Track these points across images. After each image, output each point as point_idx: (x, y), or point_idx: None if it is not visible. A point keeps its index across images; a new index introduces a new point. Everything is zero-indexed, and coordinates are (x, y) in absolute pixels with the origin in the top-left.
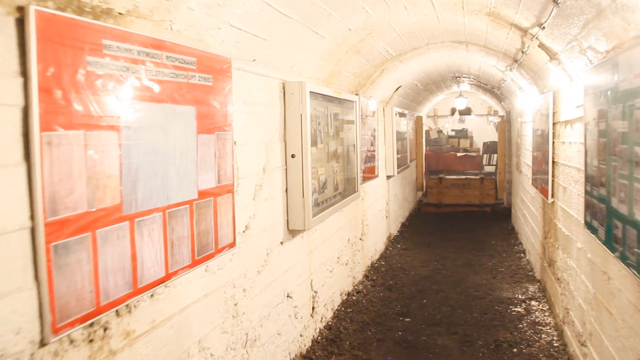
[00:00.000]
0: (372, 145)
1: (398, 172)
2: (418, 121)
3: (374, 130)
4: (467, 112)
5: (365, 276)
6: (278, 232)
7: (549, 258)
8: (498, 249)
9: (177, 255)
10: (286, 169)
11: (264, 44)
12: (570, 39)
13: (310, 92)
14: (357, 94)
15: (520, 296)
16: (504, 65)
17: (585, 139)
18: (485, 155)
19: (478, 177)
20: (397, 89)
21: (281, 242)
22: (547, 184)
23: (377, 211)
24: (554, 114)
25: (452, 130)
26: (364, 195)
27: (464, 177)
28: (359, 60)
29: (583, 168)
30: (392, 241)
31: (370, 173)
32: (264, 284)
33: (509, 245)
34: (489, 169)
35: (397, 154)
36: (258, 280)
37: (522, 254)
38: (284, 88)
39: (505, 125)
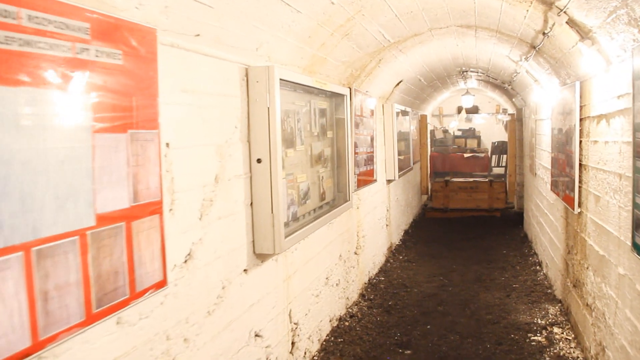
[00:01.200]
0: (370, 146)
1: (400, 176)
2: (422, 120)
3: (373, 129)
4: (474, 110)
5: (362, 295)
6: (239, 258)
7: (575, 277)
8: (510, 260)
9: (56, 312)
10: (251, 177)
11: (210, 14)
12: (615, 6)
13: (283, 80)
14: (349, 87)
15: (539, 320)
16: (519, 55)
17: (633, 137)
18: (493, 156)
19: (487, 180)
20: (397, 84)
21: (244, 270)
22: (572, 190)
23: (376, 220)
24: (581, 108)
25: (459, 129)
26: (359, 203)
27: (471, 179)
28: (348, 45)
29: (629, 174)
30: (394, 252)
31: (367, 178)
32: (218, 326)
33: (522, 256)
34: (497, 170)
35: (399, 155)
36: (208, 323)
37: (537, 267)
38: (247, 75)
39: (516, 124)
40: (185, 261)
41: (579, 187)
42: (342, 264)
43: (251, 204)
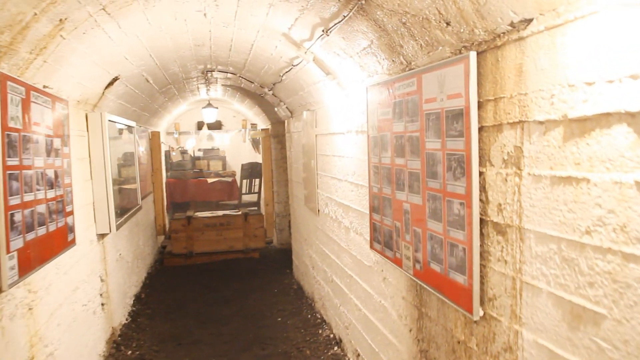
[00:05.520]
0: (54, 186)
1: (121, 224)
2: (154, 139)
3: (61, 156)
4: (217, 126)
5: None
6: None
7: None
8: (293, 338)
9: None
10: None
11: None
12: None
13: None
14: None
15: None
16: (311, 26)
17: None
18: (244, 181)
19: (240, 213)
20: (112, 83)
21: None
22: (461, 272)
23: (80, 309)
24: (481, 105)
25: (200, 149)
26: (32, 299)
27: (221, 214)
28: None
29: None
30: (118, 344)
31: (51, 245)
32: None
33: (306, 326)
34: (249, 198)
35: (121, 189)
36: None
37: (336, 348)
38: None
39: (272, 141)
40: None
41: (481, 266)
42: None
43: None
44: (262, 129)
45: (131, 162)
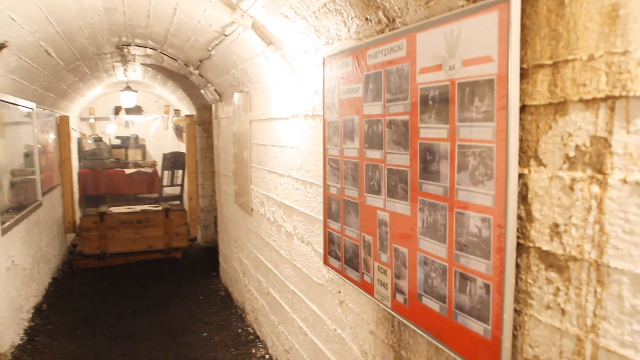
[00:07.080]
0: None
1: (13, 225)
2: (63, 124)
3: None
4: (137, 111)
5: None
6: None
7: None
8: (221, 358)
9: None
10: None
11: None
12: None
13: None
14: None
15: None
16: None
17: None
18: (166, 172)
19: (161, 209)
20: None
21: None
22: (482, 319)
23: None
24: (524, 74)
25: (117, 137)
26: None
27: (139, 209)
28: None
29: None
30: None
31: None
32: None
33: (236, 342)
34: (171, 190)
35: (12, 186)
36: None
37: None
38: None
39: (197, 129)
40: None
41: (515, 312)
42: None
43: None
44: (186, 115)
45: (28, 151)
